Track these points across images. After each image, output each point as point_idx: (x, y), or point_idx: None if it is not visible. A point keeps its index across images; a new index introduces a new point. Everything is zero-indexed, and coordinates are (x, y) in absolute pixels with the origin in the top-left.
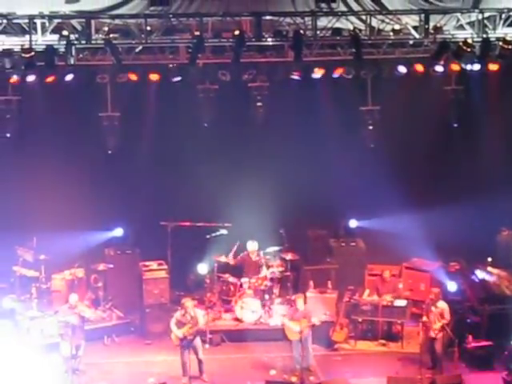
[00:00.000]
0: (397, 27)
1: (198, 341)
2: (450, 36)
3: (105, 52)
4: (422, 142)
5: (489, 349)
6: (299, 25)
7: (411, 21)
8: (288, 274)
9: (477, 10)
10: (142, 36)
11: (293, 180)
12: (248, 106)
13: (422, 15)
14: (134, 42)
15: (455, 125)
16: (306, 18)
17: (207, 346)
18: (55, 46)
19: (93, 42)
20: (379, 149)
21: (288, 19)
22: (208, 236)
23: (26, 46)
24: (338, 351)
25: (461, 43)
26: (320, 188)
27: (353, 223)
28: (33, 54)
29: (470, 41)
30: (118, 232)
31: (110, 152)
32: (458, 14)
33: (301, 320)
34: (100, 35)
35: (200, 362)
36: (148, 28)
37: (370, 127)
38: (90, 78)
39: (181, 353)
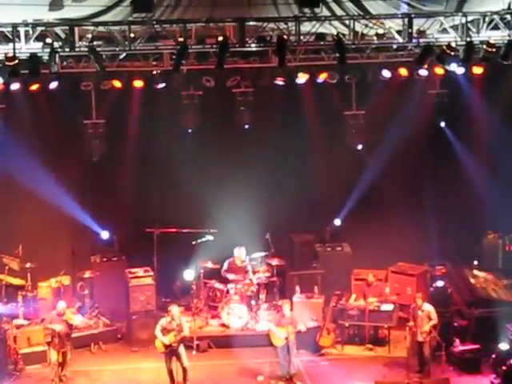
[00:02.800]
0: (380, 31)
1: (181, 348)
2: (433, 40)
3: (89, 59)
4: (407, 146)
5: (476, 352)
6: (283, 30)
7: (395, 25)
8: (274, 279)
9: (460, 14)
10: (126, 43)
11: (278, 185)
12: (232, 111)
13: (406, 19)
14: (117, 49)
15: (442, 124)
16: (290, 24)
17: (194, 352)
18: (39, 54)
19: (76, 49)
20: (364, 153)
21: (271, 25)
22: (194, 242)
23: (10, 54)
24: (325, 356)
25: (444, 47)
26: (305, 193)
27: (337, 222)
28: (17, 62)
29: (453, 44)
30: (104, 234)
31: (94, 159)
32: (442, 18)
33: (287, 326)
34: (84, 42)
35: (184, 370)
36: (132, 35)
37: (355, 131)
38: (74, 86)
39: (166, 360)
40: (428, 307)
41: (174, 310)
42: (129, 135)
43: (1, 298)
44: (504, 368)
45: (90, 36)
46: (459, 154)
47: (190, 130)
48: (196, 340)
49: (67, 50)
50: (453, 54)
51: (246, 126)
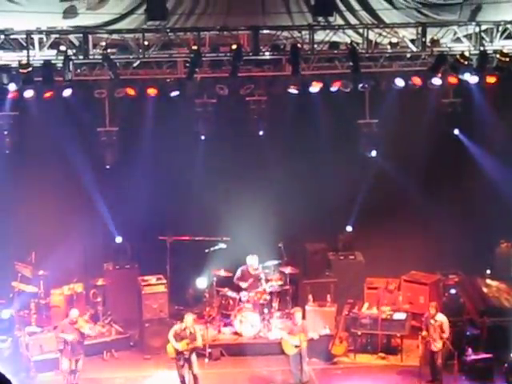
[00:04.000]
0: (394, 40)
1: (193, 356)
2: (447, 49)
3: (102, 67)
4: (420, 155)
5: (489, 361)
6: (296, 38)
7: (408, 34)
8: (287, 287)
9: (474, 23)
10: (140, 51)
11: (291, 194)
12: (246, 120)
13: (419, 28)
14: (131, 56)
15: (456, 132)
16: (304, 32)
17: (207, 360)
18: (53, 62)
19: (90, 57)
20: (377, 162)
21: (285, 33)
22: (207, 250)
23: (24, 62)
24: (337, 365)
25: (458, 56)
26: (318, 201)
27: (348, 228)
28: (30, 69)
29: (467, 53)
30: (118, 239)
31: (108, 167)
32: (455, 27)
33: (299, 334)
34: (98, 50)
35: (195, 377)
36: (145, 43)
37: (368, 140)
38: (87, 93)
39: (177, 367)
40: (441, 318)
41: (189, 318)
42: (142, 143)
43: (13, 305)
44: None
45: (103, 44)
46: (472, 163)
47: (203, 138)
48: (208, 348)
49: (81, 57)
50: (466, 63)
51: (260, 133)
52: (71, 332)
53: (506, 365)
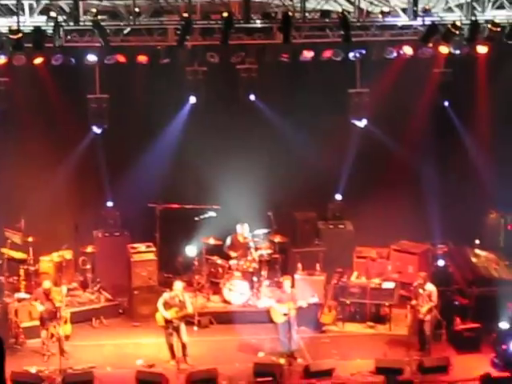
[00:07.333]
0: (385, 9)
1: (182, 324)
2: (438, 18)
3: (93, 33)
4: (410, 124)
5: (477, 331)
6: (288, 7)
7: (400, 3)
8: (276, 256)
9: None
10: (131, 18)
11: (281, 162)
12: (236, 87)
13: None
14: (122, 23)
15: (445, 103)
16: (295, 0)
17: (195, 328)
18: (43, 28)
19: (81, 23)
20: (367, 131)
21: (277, 1)
22: (196, 218)
23: (14, 28)
24: (325, 333)
25: (449, 26)
26: (308, 170)
27: (338, 197)
28: (20, 35)
29: (458, 23)
30: (109, 203)
31: (97, 133)
32: None
33: (287, 302)
34: (88, 17)
35: (183, 345)
36: (136, 9)
37: (358, 109)
38: (78, 60)
39: (166, 335)
40: (430, 287)
41: (178, 285)
42: (132, 110)
43: (2, 271)
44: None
45: (94, 10)
46: (462, 133)
47: (193, 106)
48: (197, 316)
49: (71, 23)
50: (458, 32)
51: (252, 97)
52: (45, 302)
53: (493, 334)
